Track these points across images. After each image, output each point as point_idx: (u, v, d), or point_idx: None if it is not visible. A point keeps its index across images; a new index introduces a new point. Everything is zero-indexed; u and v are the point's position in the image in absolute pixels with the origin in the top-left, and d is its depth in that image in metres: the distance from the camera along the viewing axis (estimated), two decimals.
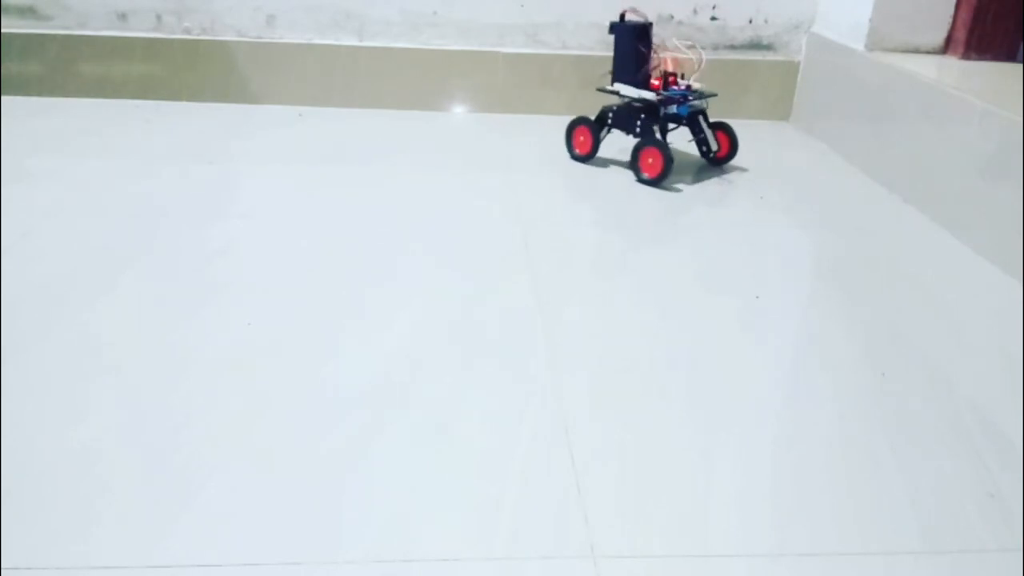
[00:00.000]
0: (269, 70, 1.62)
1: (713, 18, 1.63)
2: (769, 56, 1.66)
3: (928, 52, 1.43)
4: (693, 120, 1.32)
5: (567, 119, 1.40)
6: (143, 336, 0.79)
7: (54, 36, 1.58)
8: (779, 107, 1.68)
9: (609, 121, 1.33)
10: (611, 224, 1.15)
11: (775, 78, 1.66)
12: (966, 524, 0.59)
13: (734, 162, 1.39)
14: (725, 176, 1.33)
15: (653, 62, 1.28)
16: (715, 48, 1.64)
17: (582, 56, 1.62)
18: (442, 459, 0.64)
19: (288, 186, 1.22)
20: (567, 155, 1.39)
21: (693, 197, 1.24)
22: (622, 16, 1.28)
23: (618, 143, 1.38)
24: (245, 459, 0.63)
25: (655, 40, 1.29)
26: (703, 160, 1.38)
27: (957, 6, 1.40)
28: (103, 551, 0.53)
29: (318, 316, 0.85)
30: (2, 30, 1.56)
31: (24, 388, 0.70)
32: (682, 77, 1.30)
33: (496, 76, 1.64)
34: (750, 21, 1.64)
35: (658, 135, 1.28)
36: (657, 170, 1.26)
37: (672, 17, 1.62)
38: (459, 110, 1.67)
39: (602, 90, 1.32)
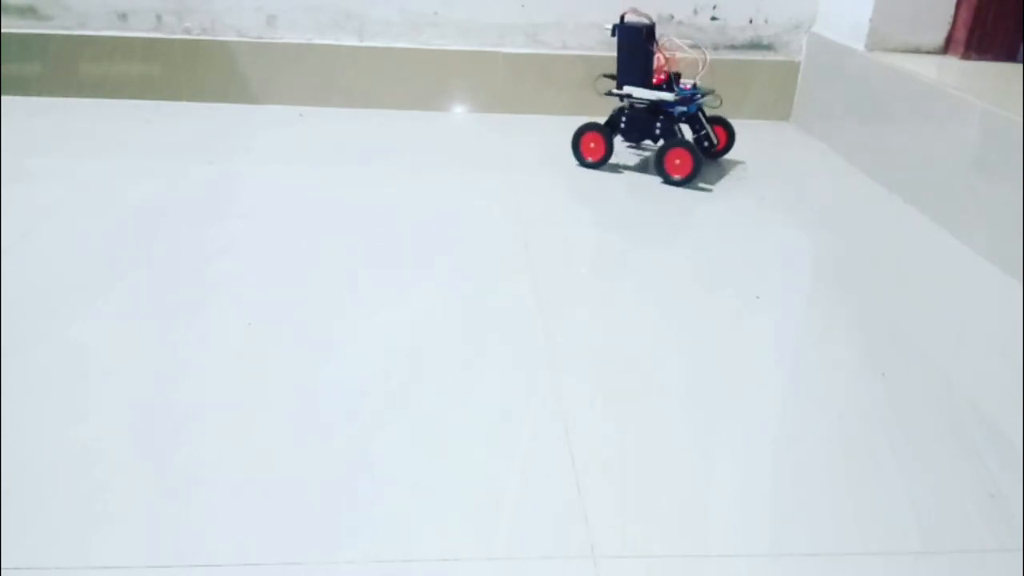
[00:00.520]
0: (269, 70, 1.62)
1: (713, 18, 1.63)
2: (769, 56, 1.66)
3: (928, 52, 1.43)
4: (694, 117, 1.34)
5: (567, 119, 1.40)
6: (143, 336, 0.79)
7: (54, 36, 1.58)
8: (779, 107, 1.68)
9: (623, 125, 1.32)
10: (611, 224, 1.15)
11: (775, 78, 1.66)
12: (966, 524, 0.59)
13: (734, 162, 1.39)
14: (725, 176, 1.33)
15: (659, 62, 1.28)
16: (715, 48, 1.64)
17: (582, 56, 1.62)
18: (442, 459, 0.64)
19: (288, 186, 1.22)
20: (563, 155, 1.39)
21: (693, 197, 1.24)
22: (622, 18, 1.28)
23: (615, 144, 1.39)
24: (245, 459, 0.63)
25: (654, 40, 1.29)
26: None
27: (957, 6, 1.40)
28: (103, 551, 0.53)
29: (318, 316, 0.85)
30: (2, 30, 1.56)
31: (24, 388, 0.70)
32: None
33: (496, 76, 1.64)
34: (750, 21, 1.64)
35: (682, 135, 1.29)
36: (687, 170, 1.27)
37: (672, 17, 1.62)
38: (459, 110, 1.67)
39: (611, 94, 1.31)
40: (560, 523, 0.57)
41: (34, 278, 0.89)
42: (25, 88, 1.60)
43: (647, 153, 1.42)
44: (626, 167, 1.35)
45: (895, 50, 1.43)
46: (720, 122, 1.38)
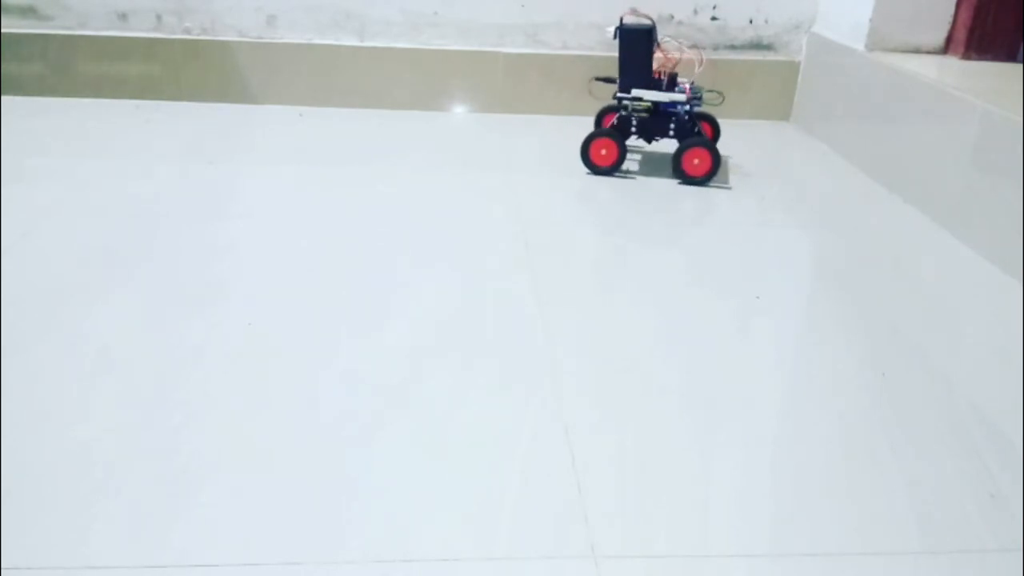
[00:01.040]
0: (269, 70, 1.62)
1: (713, 18, 1.63)
2: (769, 56, 1.66)
3: (928, 52, 1.43)
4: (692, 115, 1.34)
5: (567, 119, 1.41)
6: (143, 336, 0.79)
7: (54, 36, 1.58)
8: (779, 107, 1.68)
9: (633, 129, 1.31)
10: (611, 224, 1.15)
11: (775, 78, 1.66)
12: (966, 524, 0.59)
13: (734, 162, 1.39)
14: (725, 176, 1.33)
15: (663, 62, 1.28)
16: (715, 48, 1.64)
17: (582, 56, 1.62)
18: (442, 459, 0.64)
19: (288, 186, 1.22)
20: (563, 155, 1.39)
21: (693, 197, 1.24)
22: (621, 20, 1.28)
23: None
24: (245, 459, 0.63)
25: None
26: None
27: (957, 6, 1.40)
28: (103, 551, 0.53)
29: (318, 316, 0.85)
30: (2, 30, 1.56)
31: (24, 388, 0.70)
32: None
33: (496, 76, 1.64)
34: (750, 21, 1.63)
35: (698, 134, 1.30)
36: (705, 168, 1.27)
37: (672, 17, 1.61)
38: (459, 110, 1.67)
39: (624, 97, 1.29)
40: (560, 523, 0.57)
41: (34, 278, 0.89)
42: (25, 88, 1.60)
43: (643, 153, 1.42)
44: (626, 167, 1.35)
45: (895, 50, 1.43)
46: (705, 118, 1.39)
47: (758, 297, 0.93)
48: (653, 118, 1.30)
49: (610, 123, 1.38)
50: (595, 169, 1.31)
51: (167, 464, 0.62)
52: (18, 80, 1.59)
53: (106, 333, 0.80)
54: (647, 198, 1.23)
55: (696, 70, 1.29)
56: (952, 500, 0.62)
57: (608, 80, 1.36)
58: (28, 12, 1.57)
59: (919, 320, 0.89)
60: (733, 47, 1.65)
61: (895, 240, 1.12)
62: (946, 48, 1.43)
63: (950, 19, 1.41)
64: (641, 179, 1.30)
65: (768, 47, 1.65)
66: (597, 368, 0.77)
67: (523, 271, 0.96)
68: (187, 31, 1.60)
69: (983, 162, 1.06)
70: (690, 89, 1.29)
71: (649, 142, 1.34)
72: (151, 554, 0.53)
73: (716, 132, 1.39)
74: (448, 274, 0.96)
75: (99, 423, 0.66)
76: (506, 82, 1.64)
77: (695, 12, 1.62)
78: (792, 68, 1.65)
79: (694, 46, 1.30)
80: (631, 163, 1.37)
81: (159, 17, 1.59)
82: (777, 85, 1.66)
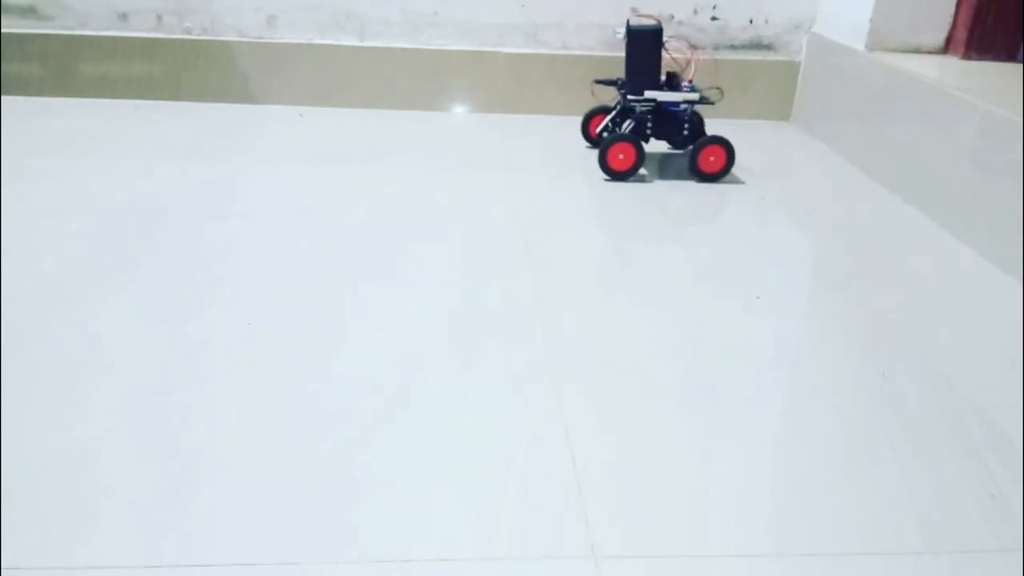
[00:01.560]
0: (270, 70, 1.62)
1: (714, 18, 1.63)
2: (770, 56, 1.66)
3: (929, 52, 1.43)
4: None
5: (568, 119, 1.41)
6: (143, 336, 0.79)
7: (55, 36, 1.58)
8: (779, 107, 1.68)
9: (649, 130, 1.31)
10: (611, 224, 1.15)
11: (775, 78, 1.66)
12: (966, 524, 0.59)
13: (735, 163, 1.39)
14: (725, 176, 1.33)
15: (677, 62, 1.29)
16: (716, 48, 1.64)
17: (583, 56, 1.62)
18: (442, 459, 0.64)
19: (288, 186, 1.22)
20: (563, 155, 1.39)
21: (693, 197, 1.24)
22: (628, 22, 1.28)
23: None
24: (245, 459, 0.63)
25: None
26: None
27: (957, 6, 1.40)
28: (103, 551, 0.53)
29: (318, 316, 0.85)
30: (2, 30, 1.56)
31: (24, 388, 0.70)
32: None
33: (496, 76, 1.64)
34: (751, 21, 1.63)
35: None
36: (720, 165, 1.29)
37: (672, 17, 1.61)
38: (459, 110, 1.67)
39: (638, 100, 1.29)
40: (560, 523, 0.57)
41: (34, 278, 0.89)
42: (25, 88, 1.60)
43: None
44: None
45: (895, 50, 1.43)
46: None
47: (758, 297, 0.93)
48: (664, 119, 1.30)
49: (598, 127, 1.38)
50: (613, 175, 1.29)
51: (167, 464, 0.62)
52: (18, 80, 1.59)
53: (106, 333, 0.80)
54: (647, 198, 1.23)
55: (691, 71, 1.30)
56: (952, 500, 0.62)
57: (610, 83, 1.36)
58: (28, 12, 1.57)
59: (919, 320, 0.89)
60: (733, 47, 1.65)
61: (895, 240, 1.12)
62: (946, 48, 1.43)
63: (950, 19, 1.41)
64: (640, 179, 1.30)
65: (768, 47, 1.65)
66: (597, 368, 0.77)
67: (523, 271, 0.96)
68: (187, 31, 1.60)
69: (983, 162, 1.06)
70: (690, 87, 1.29)
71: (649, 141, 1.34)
72: (151, 554, 0.53)
73: (701, 127, 1.39)
74: (448, 274, 0.96)
75: (99, 423, 0.66)
76: (506, 82, 1.64)
77: (695, 12, 1.62)
78: (792, 68, 1.65)
79: (693, 45, 1.30)
80: None
81: (159, 17, 1.59)
82: (777, 85, 1.66)
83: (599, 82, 1.37)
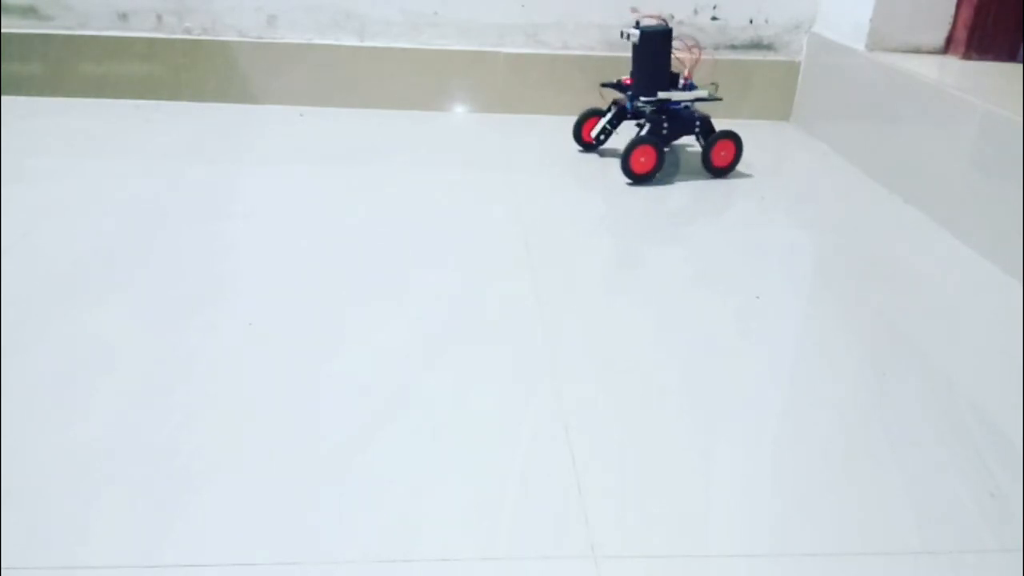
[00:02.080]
0: (270, 70, 1.62)
1: (714, 18, 1.63)
2: (770, 56, 1.66)
3: (929, 52, 1.43)
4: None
5: (568, 119, 1.41)
6: (143, 336, 0.79)
7: (55, 36, 1.58)
8: (779, 107, 1.68)
9: (664, 131, 1.30)
10: (612, 224, 1.15)
11: (775, 78, 1.66)
12: (966, 524, 0.59)
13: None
14: (726, 176, 1.33)
15: (685, 61, 1.30)
16: (716, 48, 1.64)
17: (583, 56, 1.62)
18: (442, 459, 0.64)
19: (288, 186, 1.22)
20: (564, 155, 1.39)
21: (694, 197, 1.24)
22: (637, 23, 1.28)
23: (612, 141, 1.38)
24: (245, 458, 0.63)
25: None
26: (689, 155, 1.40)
27: (958, 6, 1.40)
28: (103, 551, 0.53)
29: (318, 316, 0.85)
30: (2, 30, 1.56)
31: (24, 388, 0.70)
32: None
33: (496, 76, 1.64)
34: (751, 21, 1.63)
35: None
36: (730, 159, 1.32)
37: (672, 17, 1.61)
38: (459, 110, 1.67)
39: (653, 101, 1.28)
40: (560, 523, 0.57)
41: (34, 278, 0.89)
42: (25, 88, 1.60)
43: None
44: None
45: (895, 50, 1.43)
46: None
47: (758, 297, 0.93)
48: (676, 119, 1.30)
49: (591, 130, 1.38)
50: (635, 178, 1.28)
51: (166, 464, 0.62)
52: (18, 80, 1.59)
53: (106, 333, 0.80)
54: (646, 198, 1.23)
55: (687, 69, 1.30)
56: (952, 500, 0.62)
57: (615, 86, 1.36)
58: (28, 12, 1.57)
59: (919, 320, 0.89)
60: (733, 47, 1.65)
61: (895, 240, 1.12)
62: (946, 48, 1.43)
63: (950, 19, 1.41)
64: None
65: (768, 47, 1.65)
66: (597, 368, 0.77)
67: (523, 271, 0.96)
68: (187, 31, 1.60)
69: (983, 162, 1.06)
70: (689, 84, 1.30)
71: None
72: (150, 554, 0.53)
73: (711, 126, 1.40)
74: (448, 274, 0.96)
75: (99, 423, 0.66)
76: (506, 82, 1.64)
77: (695, 12, 1.62)
78: (792, 68, 1.65)
79: (694, 45, 1.30)
80: None
81: (159, 17, 1.59)
82: (777, 85, 1.66)
83: (605, 85, 1.37)
